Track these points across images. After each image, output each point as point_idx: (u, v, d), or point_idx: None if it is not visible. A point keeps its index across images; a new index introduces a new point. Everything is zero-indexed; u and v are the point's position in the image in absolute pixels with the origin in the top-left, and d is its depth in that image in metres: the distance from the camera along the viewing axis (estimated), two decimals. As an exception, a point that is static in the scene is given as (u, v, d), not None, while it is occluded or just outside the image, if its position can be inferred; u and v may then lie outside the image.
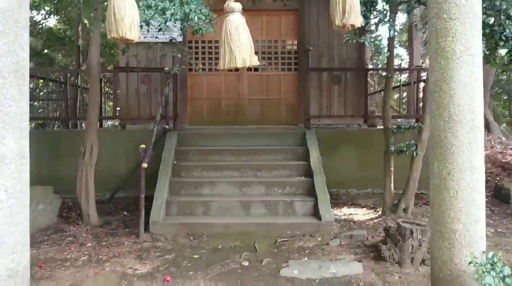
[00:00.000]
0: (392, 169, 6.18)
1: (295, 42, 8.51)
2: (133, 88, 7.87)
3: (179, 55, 6.90)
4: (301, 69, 8.29)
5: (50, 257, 4.64)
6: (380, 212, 6.23)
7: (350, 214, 6.28)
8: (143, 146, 5.37)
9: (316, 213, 5.64)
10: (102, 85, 9.71)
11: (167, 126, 7.03)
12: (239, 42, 2.88)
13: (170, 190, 6.03)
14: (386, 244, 4.37)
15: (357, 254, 4.65)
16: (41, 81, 15.05)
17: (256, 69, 8.51)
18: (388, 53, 6.10)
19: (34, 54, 17.84)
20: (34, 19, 18.10)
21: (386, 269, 4.18)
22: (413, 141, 5.91)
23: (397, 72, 8.70)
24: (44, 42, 17.83)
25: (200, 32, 5.34)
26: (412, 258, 4.18)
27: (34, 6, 17.56)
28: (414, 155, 5.78)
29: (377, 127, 8.10)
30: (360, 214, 6.31)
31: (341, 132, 7.45)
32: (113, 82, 7.14)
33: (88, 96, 6.07)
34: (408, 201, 6.00)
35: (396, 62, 22.78)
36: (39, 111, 10.61)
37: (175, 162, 6.58)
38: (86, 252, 4.77)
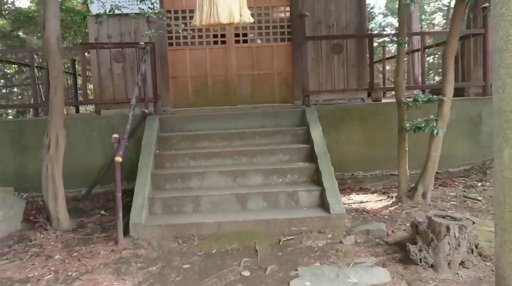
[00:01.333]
0: (407, 148, 5.39)
1: (288, 9, 7.55)
2: (105, 67, 6.93)
3: (154, 31, 5.93)
4: (295, 39, 7.38)
5: (7, 277, 3.80)
6: (394, 198, 5.47)
7: (361, 202, 5.51)
8: (116, 135, 4.49)
9: (323, 204, 4.87)
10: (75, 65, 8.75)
11: (146, 110, 6.13)
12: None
13: (153, 184, 5.18)
14: (416, 244, 3.60)
15: (378, 255, 3.88)
16: (14, 65, 13.81)
17: (245, 41, 7.58)
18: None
19: (2, 36, 16.56)
20: (1, -2, 16.78)
21: (418, 275, 3.43)
22: (432, 116, 5.10)
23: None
24: (12, 22, 16.54)
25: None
26: (449, 261, 3.43)
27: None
28: (435, 132, 4.97)
29: (382, 101, 7.29)
30: (371, 201, 5.55)
31: (344, 108, 6.61)
32: (80, 61, 6.15)
33: (49, 78, 5.11)
34: (427, 185, 5.24)
35: (389, 31, 21.83)
36: (19, 97, 9.64)
37: (157, 151, 5.71)
38: (52, 268, 3.94)
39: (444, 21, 21.23)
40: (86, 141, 6.35)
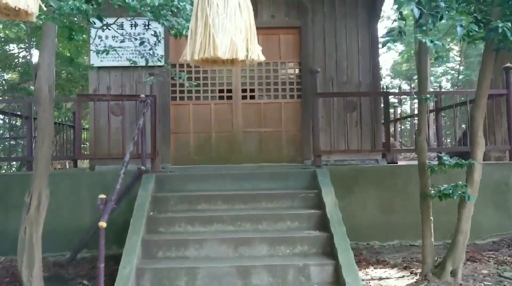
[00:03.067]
0: (432, 218, 4.78)
1: (298, 65, 7.26)
2: (103, 120, 6.53)
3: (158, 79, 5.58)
4: (305, 95, 7.02)
5: None
6: (419, 275, 4.76)
7: (380, 279, 4.80)
8: (102, 196, 3.94)
9: (338, 281, 4.19)
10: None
11: (142, 167, 5.61)
12: (225, 14, 1.51)
13: (143, 252, 4.55)
14: None
15: None
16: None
17: (252, 97, 7.21)
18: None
19: (10, 88, 16.55)
20: (11, 51, 16.95)
21: None
22: (460, 182, 4.54)
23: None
24: (21, 75, 16.58)
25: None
26: None
27: (12, 40, 16.48)
28: (466, 200, 4.39)
29: (398, 163, 6.76)
30: (392, 277, 4.84)
31: (357, 170, 6.07)
32: (76, 113, 5.74)
33: (37, 129, 4.67)
34: (457, 261, 4.56)
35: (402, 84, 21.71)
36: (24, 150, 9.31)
37: (151, 213, 5.13)
38: None
39: (449, 85, 21.22)
40: (74, 199, 5.80)
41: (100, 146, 6.61)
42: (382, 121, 6.50)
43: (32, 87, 17.49)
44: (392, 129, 9.47)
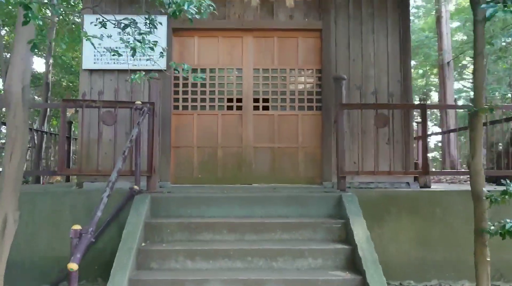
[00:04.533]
0: (489, 258, 3.83)
1: (318, 72, 6.38)
2: (93, 131, 5.69)
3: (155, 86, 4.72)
4: (326, 107, 6.13)
5: None
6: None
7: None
8: (76, 227, 3.04)
9: None
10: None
11: (135, 187, 4.73)
12: None
13: (129, 295, 3.63)
14: None
15: None
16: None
17: (265, 108, 6.33)
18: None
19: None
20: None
21: None
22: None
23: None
24: (19, 82, 15.84)
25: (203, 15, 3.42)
26: None
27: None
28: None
29: (433, 188, 5.81)
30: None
31: (388, 195, 5.13)
32: (60, 122, 4.89)
33: (6, 139, 3.82)
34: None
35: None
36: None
37: (143, 244, 4.22)
38: None
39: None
40: (55, 223, 4.90)
41: (89, 160, 5.75)
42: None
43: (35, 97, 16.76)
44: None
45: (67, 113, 16.01)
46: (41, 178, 8.98)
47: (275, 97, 6.35)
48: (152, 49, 4.08)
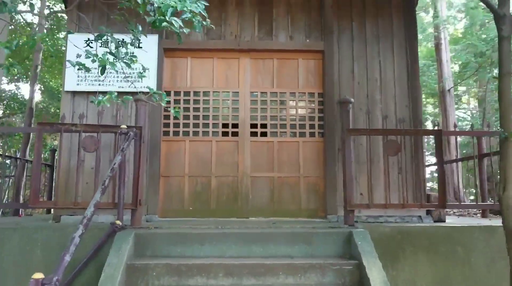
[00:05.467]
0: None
1: (320, 95, 5.94)
2: (73, 158, 5.15)
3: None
4: (329, 133, 5.66)
5: None
6: None
7: None
8: (38, 276, 2.46)
9: None
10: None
11: (118, 222, 4.15)
12: None
13: None
14: None
15: None
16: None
17: (264, 134, 5.84)
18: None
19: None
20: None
21: None
22: None
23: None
24: (5, 109, 15.33)
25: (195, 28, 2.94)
26: None
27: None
28: None
29: (448, 223, 5.29)
30: None
31: (403, 232, 4.58)
32: (35, 147, 4.34)
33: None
34: None
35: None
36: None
37: (123, 291, 3.61)
38: None
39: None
40: (24, 265, 4.27)
41: (69, 190, 5.18)
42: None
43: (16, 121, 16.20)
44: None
45: (55, 141, 15.36)
46: (20, 209, 8.33)
47: (274, 123, 5.87)
48: (128, 65, 3.57)
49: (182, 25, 2.95)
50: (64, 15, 11.28)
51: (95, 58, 3.73)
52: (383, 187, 5.41)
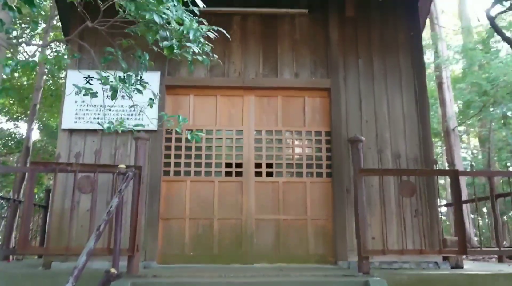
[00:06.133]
0: None
1: (327, 134, 5.72)
2: (68, 199, 4.87)
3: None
4: (338, 173, 5.40)
5: None
6: None
7: None
8: None
9: None
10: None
11: (113, 270, 3.80)
12: None
13: None
14: None
15: None
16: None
17: (269, 174, 5.57)
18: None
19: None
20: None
21: None
22: None
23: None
24: (1, 147, 15.11)
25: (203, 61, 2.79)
26: None
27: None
28: None
29: (467, 270, 4.94)
30: None
31: (422, 280, 4.23)
32: (27, 188, 4.06)
33: None
34: None
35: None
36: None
37: None
38: None
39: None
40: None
41: (62, 234, 4.84)
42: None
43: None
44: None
45: (51, 180, 15.05)
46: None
47: (280, 162, 5.62)
48: (140, 91, 3.38)
49: (198, 51, 2.79)
50: (65, 55, 11.27)
51: (103, 80, 3.55)
52: (396, 230, 5.13)
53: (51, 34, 13.21)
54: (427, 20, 10.41)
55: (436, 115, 12.53)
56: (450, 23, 22.53)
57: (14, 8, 2.87)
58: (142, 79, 5.36)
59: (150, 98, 3.78)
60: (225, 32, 3.27)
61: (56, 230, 4.92)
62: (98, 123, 4.42)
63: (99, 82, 5.01)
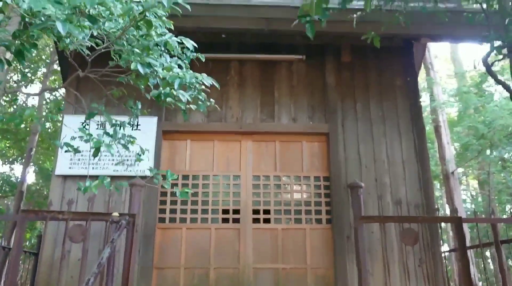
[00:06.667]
0: None
1: (326, 179, 5.63)
2: (59, 248, 4.68)
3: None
4: (337, 219, 5.27)
5: None
6: None
7: None
8: None
9: None
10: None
11: (102, 326, 3.60)
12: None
13: None
14: None
15: None
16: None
17: (266, 220, 5.43)
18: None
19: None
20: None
21: None
22: None
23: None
24: (-1, 191, 14.90)
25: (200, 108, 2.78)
26: None
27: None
28: None
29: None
30: None
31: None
32: (16, 237, 3.92)
33: None
34: None
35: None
36: None
37: None
38: None
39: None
40: None
41: (51, 285, 4.64)
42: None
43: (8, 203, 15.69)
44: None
45: (40, 226, 14.75)
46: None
47: (278, 208, 5.49)
48: (126, 147, 3.32)
49: (189, 99, 2.75)
50: (63, 102, 11.35)
51: (88, 137, 3.50)
52: (400, 279, 4.94)
53: (52, 77, 13.37)
54: (422, 64, 10.59)
55: (434, 158, 12.50)
56: (444, 67, 23.05)
57: (4, 60, 2.86)
58: (139, 125, 5.37)
59: (138, 153, 3.72)
60: (214, 82, 3.25)
61: (45, 281, 4.71)
62: (89, 179, 4.33)
63: (96, 128, 5.01)
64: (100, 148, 3.25)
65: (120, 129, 3.64)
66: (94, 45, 3.06)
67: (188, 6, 3.23)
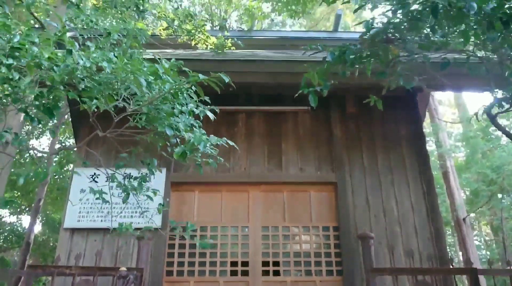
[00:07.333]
0: None
1: (335, 229, 5.57)
2: (65, 305, 4.60)
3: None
4: (348, 271, 5.16)
5: None
6: None
7: None
8: None
9: None
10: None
11: None
12: None
13: None
14: None
15: None
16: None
17: (276, 273, 5.33)
18: None
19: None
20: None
21: None
22: None
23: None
24: (2, 242, 14.80)
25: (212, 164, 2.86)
26: None
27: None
28: None
29: None
30: None
31: None
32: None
33: None
34: None
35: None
36: None
37: None
38: None
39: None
40: None
41: None
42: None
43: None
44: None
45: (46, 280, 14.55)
46: None
47: (287, 260, 5.40)
48: (150, 198, 3.39)
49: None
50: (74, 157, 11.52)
51: (98, 195, 3.57)
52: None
53: (62, 127, 13.63)
54: (426, 112, 10.71)
55: (444, 204, 12.33)
56: (448, 111, 23.24)
57: (36, 119, 2.99)
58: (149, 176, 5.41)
59: (160, 204, 3.78)
60: (234, 144, 3.38)
61: None
62: (108, 227, 4.35)
63: (105, 180, 5.06)
64: (129, 194, 3.37)
65: (141, 182, 3.72)
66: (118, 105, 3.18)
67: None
